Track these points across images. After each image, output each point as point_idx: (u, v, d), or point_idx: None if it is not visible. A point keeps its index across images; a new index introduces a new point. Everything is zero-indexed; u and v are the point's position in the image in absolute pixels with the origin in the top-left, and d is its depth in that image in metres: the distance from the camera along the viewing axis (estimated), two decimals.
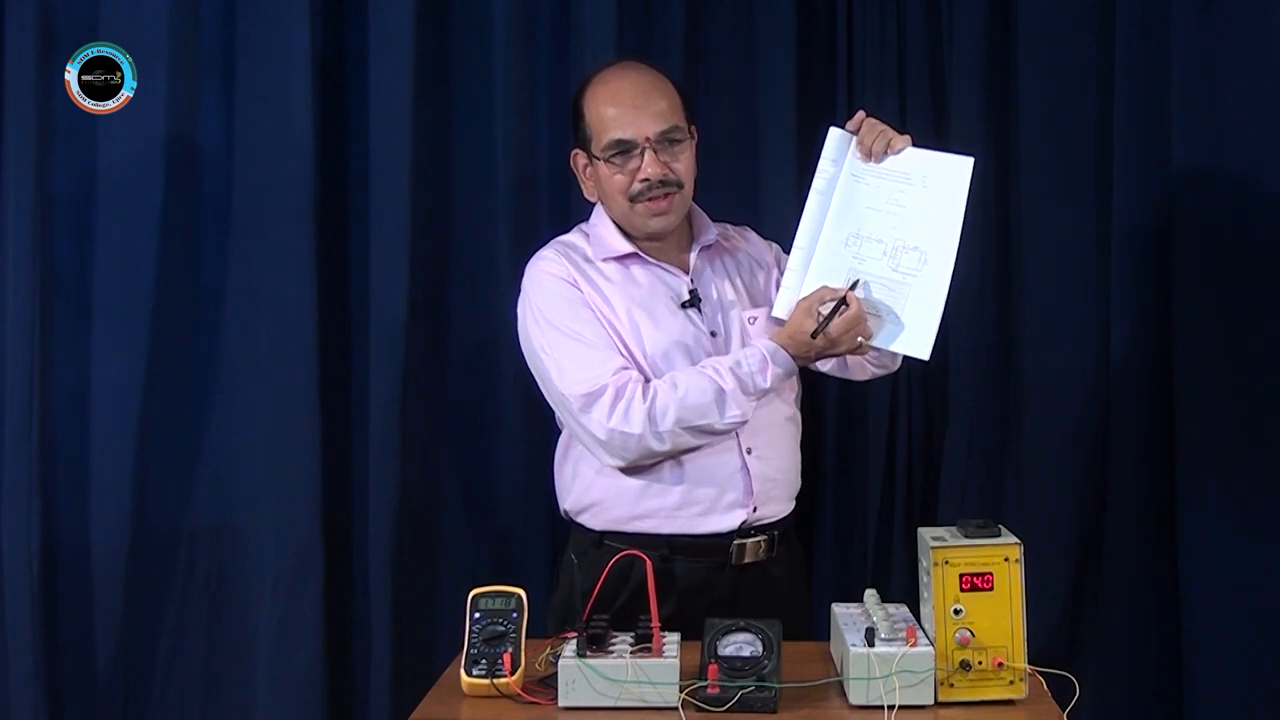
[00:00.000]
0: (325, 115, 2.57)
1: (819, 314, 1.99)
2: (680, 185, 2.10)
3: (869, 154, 2.09)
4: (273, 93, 2.55)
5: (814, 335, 1.98)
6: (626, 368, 2.03)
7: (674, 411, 1.99)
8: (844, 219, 2.09)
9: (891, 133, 2.09)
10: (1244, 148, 2.48)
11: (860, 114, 2.12)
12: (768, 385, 2.02)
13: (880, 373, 2.22)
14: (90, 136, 2.56)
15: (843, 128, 2.13)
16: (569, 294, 2.09)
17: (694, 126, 2.15)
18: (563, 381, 2.04)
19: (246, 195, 2.58)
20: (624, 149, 2.07)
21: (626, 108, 2.08)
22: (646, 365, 2.06)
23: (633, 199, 2.09)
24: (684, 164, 2.11)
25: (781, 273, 2.22)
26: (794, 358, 2.03)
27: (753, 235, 2.31)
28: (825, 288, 2.02)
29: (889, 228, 2.06)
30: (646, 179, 2.07)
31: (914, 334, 2.01)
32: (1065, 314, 2.58)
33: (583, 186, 2.19)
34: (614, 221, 2.15)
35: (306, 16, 2.52)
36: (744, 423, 2.03)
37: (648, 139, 2.07)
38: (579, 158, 2.16)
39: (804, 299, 2.03)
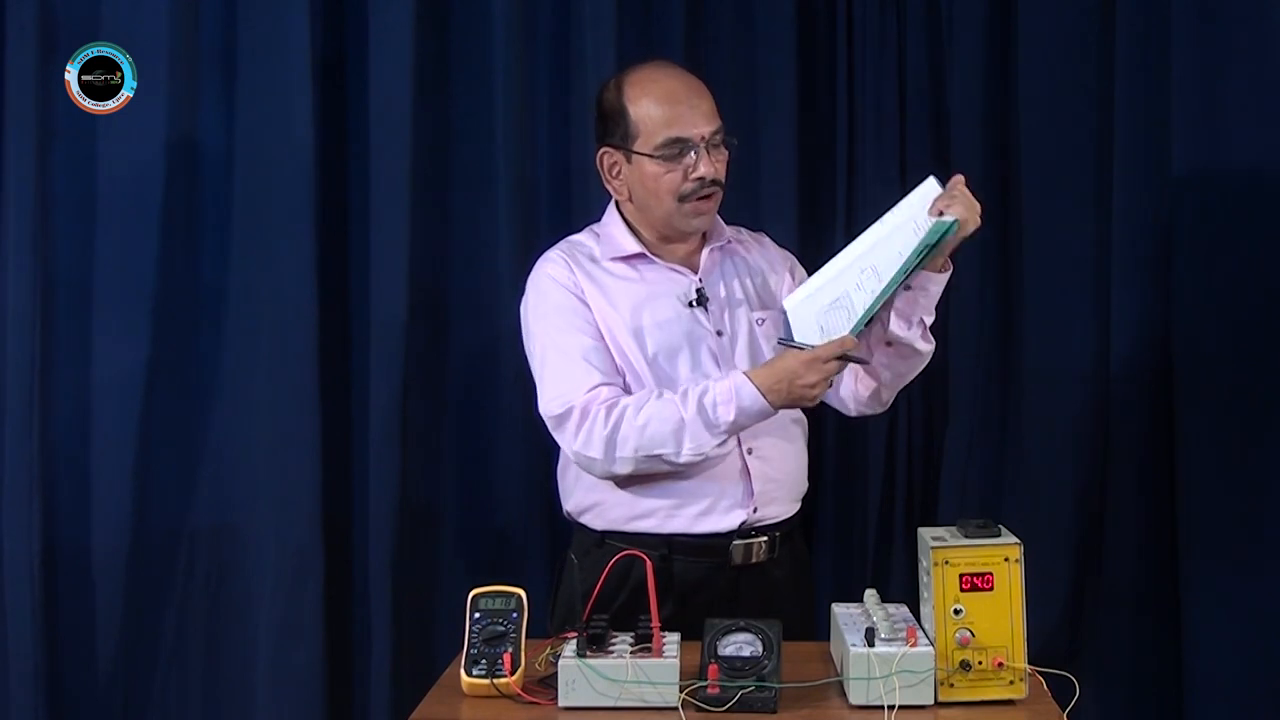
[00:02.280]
0: (325, 115, 2.57)
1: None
2: (722, 185, 2.11)
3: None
4: (273, 93, 2.55)
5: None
6: (602, 385, 2.02)
7: (633, 440, 1.99)
8: (876, 252, 2.03)
9: (968, 203, 1.98)
10: (1244, 148, 2.48)
11: (959, 177, 2.02)
12: (731, 418, 1.97)
13: (868, 412, 2.21)
14: (90, 136, 2.56)
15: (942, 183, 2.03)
16: (563, 300, 2.08)
17: None
18: (542, 398, 2.07)
19: (246, 195, 2.58)
20: (680, 148, 2.06)
21: (682, 106, 2.07)
22: (650, 365, 2.06)
23: (682, 198, 2.08)
24: (724, 164, 2.11)
25: (796, 282, 2.22)
26: (764, 393, 1.97)
27: (768, 241, 2.31)
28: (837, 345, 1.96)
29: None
30: (701, 177, 2.07)
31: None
32: (1065, 314, 2.58)
33: (608, 185, 2.15)
34: (626, 221, 2.15)
35: (306, 16, 2.52)
36: (705, 458, 2.00)
37: (703, 138, 2.07)
38: (608, 156, 2.13)
39: (813, 352, 1.97)
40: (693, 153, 2.06)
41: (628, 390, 2.06)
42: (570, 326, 2.07)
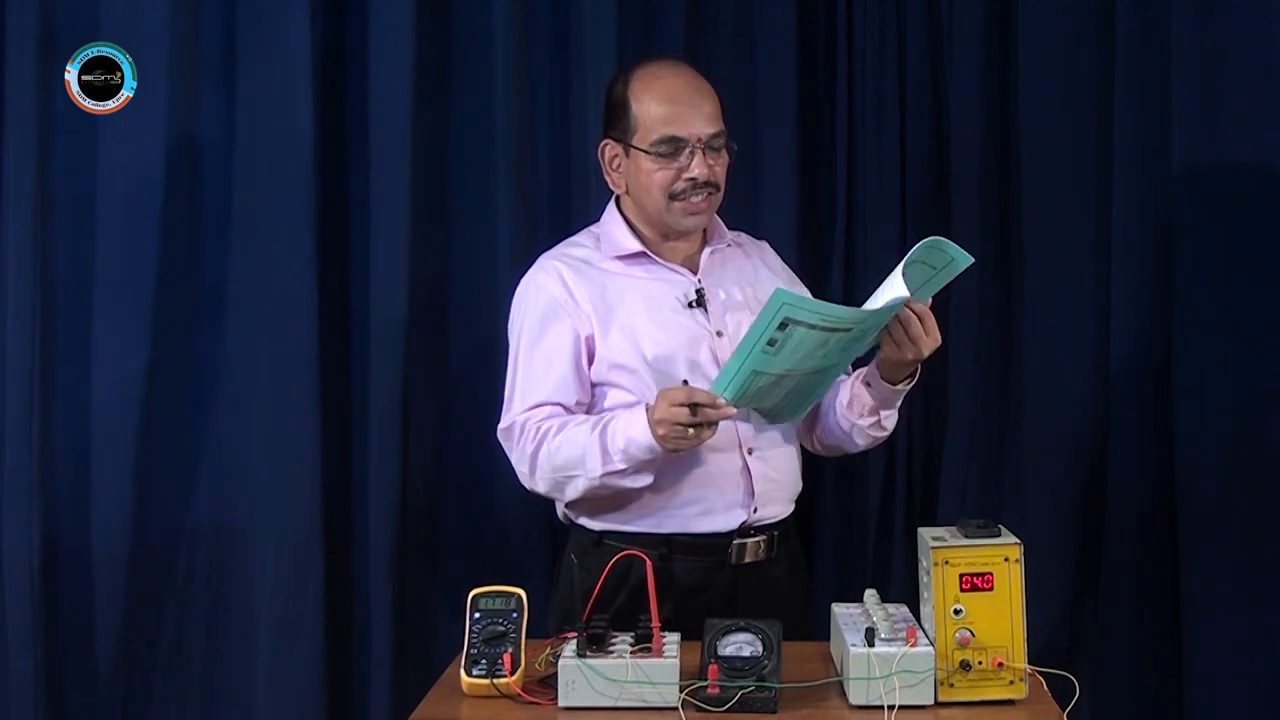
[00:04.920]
0: (325, 115, 2.57)
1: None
2: (718, 188, 2.11)
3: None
4: (273, 93, 2.55)
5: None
6: (544, 404, 2.06)
7: (548, 461, 2.03)
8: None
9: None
10: (1244, 147, 2.48)
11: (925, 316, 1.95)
12: (621, 446, 1.96)
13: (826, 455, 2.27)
14: (90, 136, 2.56)
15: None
16: (541, 313, 2.10)
17: None
18: (503, 414, 2.12)
19: (247, 195, 2.58)
20: (675, 146, 2.07)
21: (683, 106, 2.07)
22: (648, 365, 2.06)
23: (673, 196, 2.08)
24: (722, 169, 2.11)
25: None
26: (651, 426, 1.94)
27: (768, 248, 2.31)
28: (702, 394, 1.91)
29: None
30: (693, 178, 2.07)
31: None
32: (1065, 314, 2.58)
33: (607, 177, 2.17)
34: (626, 219, 2.16)
35: (306, 16, 2.52)
36: (606, 487, 2.00)
37: (699, 139, 2.07)
38: (609, 148, 2.14)
39: (667, 391, 1.94)
40: (687, 153, 2.07)
41: (586, 409, 2.09)
42: (539, 344, 2.09)
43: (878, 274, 2.60)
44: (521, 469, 2.08)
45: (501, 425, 2.10)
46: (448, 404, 2.66)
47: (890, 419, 2.15)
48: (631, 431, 1.96)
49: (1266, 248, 2.48)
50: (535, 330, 2.10)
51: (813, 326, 1.82)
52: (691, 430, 1.91)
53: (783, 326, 1.81)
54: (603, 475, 1.99)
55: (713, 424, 1.92)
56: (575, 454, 2.00)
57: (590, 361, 2.09)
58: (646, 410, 1.96)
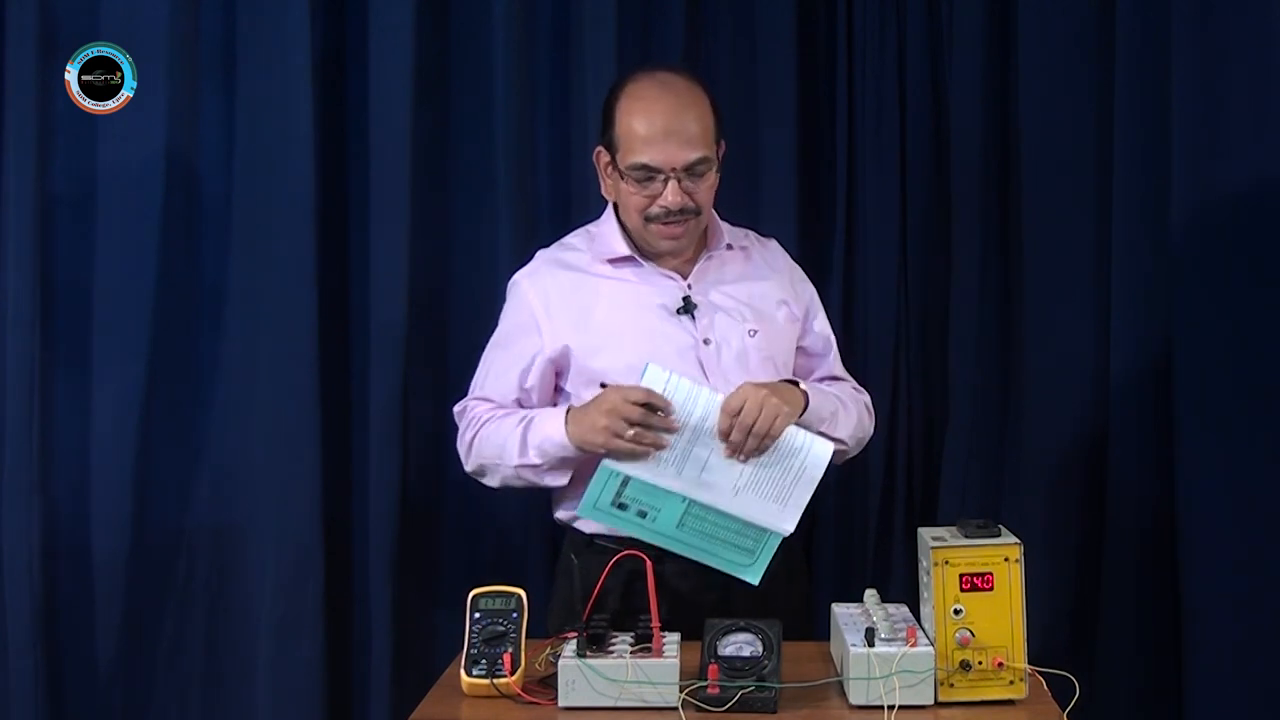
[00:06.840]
0: (325, 115, 2.57)
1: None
2: (698, 212, 2.07)
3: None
4: (273, 93, 2.55)
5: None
6: (492, 398, 2.12)
7: (477, 448, 2.11)
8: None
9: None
10: (1244, 148, 2.47)
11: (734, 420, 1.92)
12: (536, 443, 2.01)
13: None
14: (90, 136, 2.56)
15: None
16: (517, 317, 2.14)
17: (721, 142, 2.11)
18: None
19: (247, 195, 2.58)
20: (649, 174, 2.04)
21: (658, 132, 2.01)
22: (632, 373, 2.01)
23: (649, 219, 2.07)
24: (705, 191, 2.07)
25: (797, 292, 2.22)
26: (569, 421, 1.98)
27: (775, 247, 2.29)
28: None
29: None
30: (665, 207, 2.04)
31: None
32: (1065, 314, 2.58)
33: (601, 183, 2.16)
34: (622, 227, 2.15)
35: (307, 17, 2.52)
36: (525, 482, 2.06)
37: (674, 169, 2.02)
38: (602, 155, 2.13)
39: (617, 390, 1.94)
40: (661, 179, 2.03)
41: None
42: (506, 350, 2.15)
43: (878, 273, 2.63)
44: (460, 451, 2.15)
45: (456, 406, 2.18)
46: (448, 404, 2.65)
47: (835, 428, 2.09)
48: (548, 429, 2.00)
49: (1266, 248, 2.47)
50: (506, 335, 2.16)
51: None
52: (631, 431, 1.90)
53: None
54: (517, 467, 2.04)
55: (654, 443, 1.91)
56: (499, 443, 2.06)
57: (559, 375, 2.12)
58: (568, 411, 2.00)
